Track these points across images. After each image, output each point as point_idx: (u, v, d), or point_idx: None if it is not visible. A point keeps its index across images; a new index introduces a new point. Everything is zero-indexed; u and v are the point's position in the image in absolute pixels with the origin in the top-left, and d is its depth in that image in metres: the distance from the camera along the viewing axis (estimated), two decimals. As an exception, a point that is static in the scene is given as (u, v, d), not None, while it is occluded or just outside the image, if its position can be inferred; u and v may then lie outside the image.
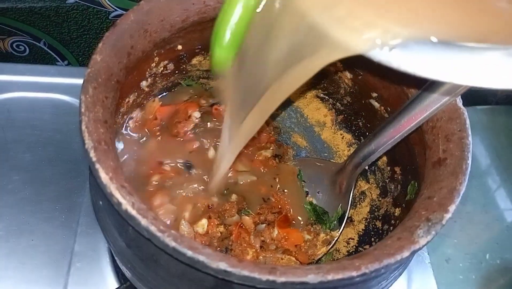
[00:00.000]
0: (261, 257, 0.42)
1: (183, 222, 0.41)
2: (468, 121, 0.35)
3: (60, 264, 0.50)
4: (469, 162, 0.33)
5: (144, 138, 0.47)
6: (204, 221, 0.42)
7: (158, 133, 0.47)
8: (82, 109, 0.31)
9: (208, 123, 0.49)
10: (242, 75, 0.33)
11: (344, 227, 0.46)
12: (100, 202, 0.35)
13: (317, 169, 0.47)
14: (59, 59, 0.74)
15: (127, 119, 0.46)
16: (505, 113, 0.89)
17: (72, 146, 0.58)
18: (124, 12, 0.65)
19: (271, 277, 0.27)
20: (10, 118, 0.60)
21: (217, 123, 0.49)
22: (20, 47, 0.71)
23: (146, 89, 0.45)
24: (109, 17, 0.67)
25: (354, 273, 0.27)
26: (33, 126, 0.59)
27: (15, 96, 0.61)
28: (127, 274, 0.38)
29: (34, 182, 0.55)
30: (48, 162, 0.57)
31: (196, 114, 0.48)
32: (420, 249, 0.29)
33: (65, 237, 0.51)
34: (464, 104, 0.36)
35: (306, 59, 0.27)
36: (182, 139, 0.47)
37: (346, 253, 0.47)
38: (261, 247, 0.43)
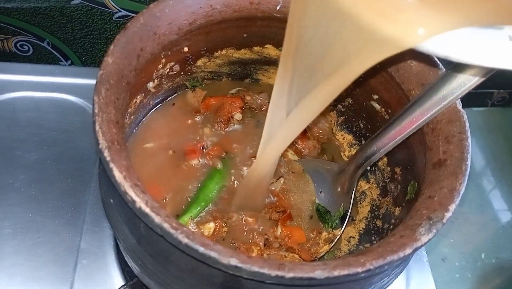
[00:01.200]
0: (265, 255, 0.43)
1: (190, 222, 0.42)
2: (467, 124, 0.37)
3: (66, 262, 0.50)
4: (469, 162, 0.34)
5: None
6: (211, 224, 0.42)
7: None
8: (96, 110, 0.32)
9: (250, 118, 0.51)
10: (300, 56, 0.32)
11: (345, 226, 0.47)
12: (111, 200, 0.35)
13: (320, 169, 0.48)
14: (62, 59, 0.74)
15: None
16: (500, 115, 0.90)
17: (77, 144, 0.59)
18: (128, 13, 0.66)
19: (280, 273, 0.28)
20: (15, 117, 0.60)
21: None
22: (24, 46, 0.71)
23: (153, 90, 0.46)
24: (113, 18, 0.67)
25: (359, 269, 0.28)
26: (38, 126, 0.60)
27: (19, 96, 0.62)
28: (136, 270, 0.39)
29: (40, 181, 0.55)
30: (54, 161, 0.57)
31: (238, 116, 0.49)
32: (422, 246, 0.31)
33: (71, 234, 0.52)
34: (460, 106, 0.37)
35: (353, 59, 0.27)
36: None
37: (347, 251, 0.48)
38: (265, 245, 0.44)
